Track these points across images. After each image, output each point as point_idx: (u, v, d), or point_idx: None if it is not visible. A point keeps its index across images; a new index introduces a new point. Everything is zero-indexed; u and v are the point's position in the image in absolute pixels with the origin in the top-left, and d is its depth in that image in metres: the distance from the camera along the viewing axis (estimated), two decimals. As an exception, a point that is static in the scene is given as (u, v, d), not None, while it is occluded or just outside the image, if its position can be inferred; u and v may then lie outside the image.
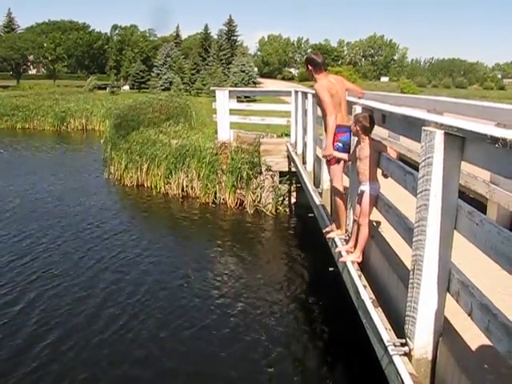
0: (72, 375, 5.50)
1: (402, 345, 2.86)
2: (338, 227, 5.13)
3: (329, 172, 5.29)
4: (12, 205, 12.62)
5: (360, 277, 3.98)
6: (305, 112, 9.10)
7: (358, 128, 4.08)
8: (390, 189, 4.14)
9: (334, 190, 5.19)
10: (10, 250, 9.34)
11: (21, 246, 9.52)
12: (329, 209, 6.40)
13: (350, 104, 4.99)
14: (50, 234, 10.25)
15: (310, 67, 4.97)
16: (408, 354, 2.81)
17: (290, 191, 12.13)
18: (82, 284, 7.91)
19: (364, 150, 4.07)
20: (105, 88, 57.90)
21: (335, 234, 5.10)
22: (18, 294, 7.46)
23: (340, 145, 4.84)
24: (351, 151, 4.65)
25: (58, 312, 6.93)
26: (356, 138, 4.36)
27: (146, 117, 17.56)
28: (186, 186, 13.42)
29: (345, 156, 4.80)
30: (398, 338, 2.95)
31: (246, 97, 31.22)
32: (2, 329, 6.42)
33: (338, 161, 4.99)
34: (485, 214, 3.57)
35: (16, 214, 11.88)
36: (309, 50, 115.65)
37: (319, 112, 5.74)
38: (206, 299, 7.53)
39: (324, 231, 5.49)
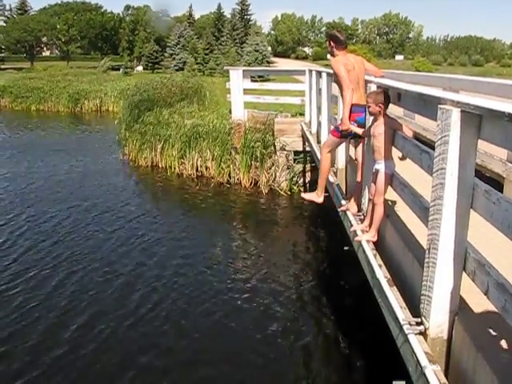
0: (104, 359, 5.54)
1: (418, 324, 2.86)
2: (318, 192, 5.63)
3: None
4: (35, 186, 12.81)
5: (375, 256, 3.98)
6: (319, 91, 9.02)
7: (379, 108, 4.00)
8: (405, 167, 4.11)
9: (321, 156, 5.62)
10: (38, 231, 9.47)
11: (48, 228, 9.66)
12: (344, 188, 6.39)
13: (366, 83, 4.97)
14: (72, 216, 10.39)
15: (332, 43, 5.12)
16: (423, 333, 2.80)
17: (304, 170, 12.11)
18: (109, 264, 8.02)
19: (379, 127, 4.02)
20: (118, 69, 57.83)
21: (309, 196, 5.81)
22: (48, 275, 7.56)
23: (355, 124, 4.82)
24: (366, 129, 4.63)
25: (87, 294, 7.02)
26: (372, 117, 4.31)
27: (160, 97, 17.51)
28: (201, 166, 13.44)
29: (360, 131, 4.79)
30: (413, 317, 2.95)
31: (259, 76, 31.05)
32: (32, 311, 6.50)
33: (340, 135, 5.16)
34: (501, 193, 3.53)
35: (40, 195, 12.06)
36: (323, 29, 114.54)
37: (334, 91, 5.70)
38: (225, 277, 7.63)
39: (339, 210, 5.53)
